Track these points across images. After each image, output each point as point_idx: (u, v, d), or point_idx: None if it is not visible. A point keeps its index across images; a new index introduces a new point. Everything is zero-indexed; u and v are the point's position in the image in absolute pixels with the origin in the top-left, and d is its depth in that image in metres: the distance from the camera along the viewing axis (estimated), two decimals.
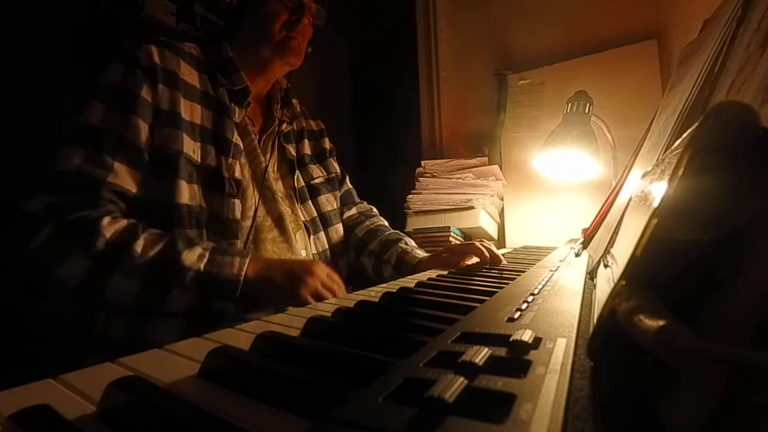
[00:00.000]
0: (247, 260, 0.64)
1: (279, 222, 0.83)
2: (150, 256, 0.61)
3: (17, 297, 0.93)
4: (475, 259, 0.80)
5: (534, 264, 0.68)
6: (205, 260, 0.63)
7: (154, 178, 0.69)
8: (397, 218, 1.32)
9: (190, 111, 0.74)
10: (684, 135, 0.19)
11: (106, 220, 0.61)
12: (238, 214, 0.75)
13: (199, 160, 0.73)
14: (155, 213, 0.68)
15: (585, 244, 0.81)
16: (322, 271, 0.66)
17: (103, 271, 0.59)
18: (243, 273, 0.63)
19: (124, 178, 0.67)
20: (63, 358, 0.88)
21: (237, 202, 0.76)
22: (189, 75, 0.77)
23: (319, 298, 0.63)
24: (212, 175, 0.74)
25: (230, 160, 0.77)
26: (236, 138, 0.79)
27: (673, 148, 0.22)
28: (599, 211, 0.91)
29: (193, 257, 0.62)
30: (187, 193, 0.71)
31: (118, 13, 1.26)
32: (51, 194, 0.61)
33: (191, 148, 0.73)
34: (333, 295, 0.65)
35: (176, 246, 0.63)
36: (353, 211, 1.06)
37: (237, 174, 0.78)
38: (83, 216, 0.60)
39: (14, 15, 1.13)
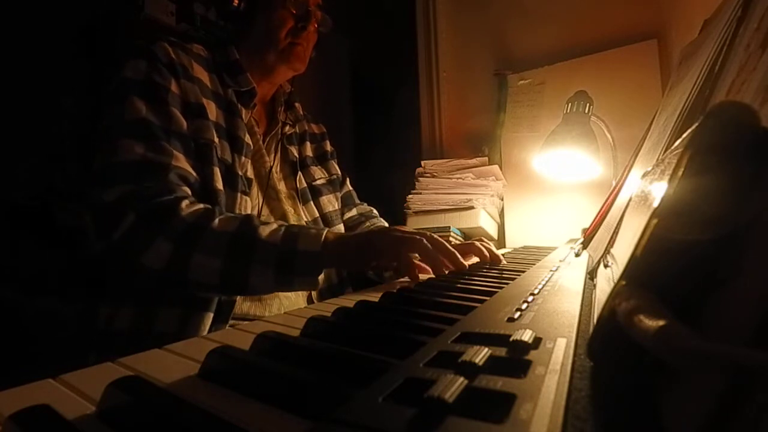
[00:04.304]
0: (326, 231, 0.63)
1: (282, 221, 0.84)
2: (228, 232, 0.61)
3: (17, 297, 0.93)
4: (475, 259, 0.80)
5: (534, 264, 0.68)
6: (282, 231, 0.62)
7: (200, 165, 0.70)
8: (397, 218, 1.32)
9: (206, 107, 0.75)
10: (684, 135, 0.19)
11: (184, 203, 0.62)
12: (249, 211, 0.76)
13: (220, 154, 0.74)
14: (205, 200, 0.68)
15: (585, 244, 0.81)
16: (426, 235, 0.63)
17: (184, 251, 0.60)
18: (322, 238, 0.61)
19: (184, 164, 0.67)
20: (63, 358, 0.88)
21: (248, 199, 0.77)
22: (200, 74, 0.78)
23: (430, 264, 0.60)
24: (227, 171, 0.75)
25: (243, 158, 0.78)
26: (247, 138, 0.80)
27: (673, 148, 0.22)
28: (599, 211, 0.91)
29: (270, 230, 0.62)
30: (220, 180, 0.72)
31: (118, 13, 1.26)
32: (121, 184, 0.61)
33: (216, 140, 0.74)
34: (450, 263, 0.62)
35: (253, 221, 0.63)
36: (353, 212, 1.07)
37: (249, 173, 0.79)
38: (162, 201, 0.61)
39: (14, 14, 1.13)
